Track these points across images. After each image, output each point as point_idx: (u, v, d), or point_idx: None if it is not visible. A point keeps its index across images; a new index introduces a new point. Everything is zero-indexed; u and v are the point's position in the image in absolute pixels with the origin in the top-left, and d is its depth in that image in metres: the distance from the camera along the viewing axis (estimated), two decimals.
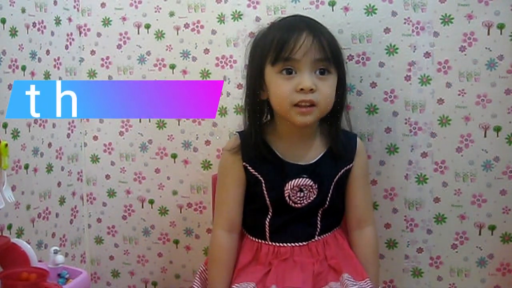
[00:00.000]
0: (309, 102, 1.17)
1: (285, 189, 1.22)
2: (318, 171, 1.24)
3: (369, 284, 1.19)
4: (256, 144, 1.24)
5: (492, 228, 1.40)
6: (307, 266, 1.21)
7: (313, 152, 1.25)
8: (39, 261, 1.21)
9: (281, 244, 1.24)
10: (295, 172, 1.23)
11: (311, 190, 1.22)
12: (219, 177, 1.30)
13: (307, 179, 1.22)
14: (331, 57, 1.19)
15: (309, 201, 1.23)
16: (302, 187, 1.22)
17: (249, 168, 1.24)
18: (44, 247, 1.43)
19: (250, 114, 1.26)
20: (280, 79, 1.19)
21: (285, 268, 1.21)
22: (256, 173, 1.24)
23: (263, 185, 1.24)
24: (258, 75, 1.23)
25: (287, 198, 1.22)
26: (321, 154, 1.25)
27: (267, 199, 1.24)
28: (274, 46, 1.19)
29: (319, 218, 1.25)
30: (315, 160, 1.25)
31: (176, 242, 1.58)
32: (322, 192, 1.23)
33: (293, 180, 1.22)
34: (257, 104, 1.25)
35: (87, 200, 1.63)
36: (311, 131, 1.25)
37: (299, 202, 1.23)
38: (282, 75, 1.19)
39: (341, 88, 1.24)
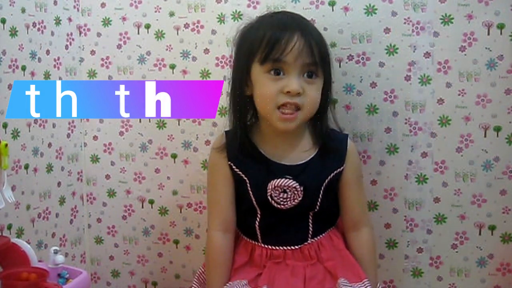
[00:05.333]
0: (294, 105, 1.17)
1: (267, 188, 1.21)
2: (305, 173, 1.22)
3: (367, 285, 1.18)
4: (241, 143, 1.23)
5: (492, 228, 1.40)
6: (298, 270, 1.20)
7: (301, 153, 1.24)
8: (39, 261, 1.21)
9: (273, 247, 1.23)
10: (280, 172, 1.22)
11: (295, 192, 1.21)
12: (208, 177, 1.30)
13: (291, 181, 1.21)
14: (319, 62, 1.18)
15: (294, 203, 1.21)
16: (285, 188, 1.21)
17: (234, 167, 1.24)
18: (44, 247, 1.43)
19: (235, 111, 1.25)
20: (267, 79, 1.18)
21: (277, 271, 1.21)
22: (240, 173, 1.24)
23: (248, 184, 1.23)
24: (244, 70, 1.21)
25: (269, 197, 1.21)
26: (311, 157, 1.24)
27: (253, 199, 1.23)
28: (264, 44, 1.17)
29: (310, 222, 1.24)
30: (304, 161, 1.24)
31: (176, 242, 1.58)
32: (309, 195, 1.22)
33: (276, 180, 1.21)
34: (242, 100, 1.24)
35: (87, 200, 1.63)
36: (296, 132, 1.24)
37: (282, 203, 1.21)
38: (270, 75, 1.18)
39: (326, 89, 1.23)
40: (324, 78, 1.22)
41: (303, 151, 1.25)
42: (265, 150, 1.24)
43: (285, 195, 1.21)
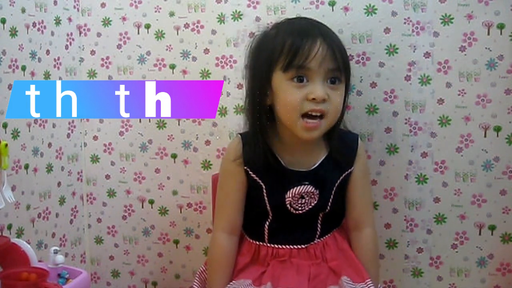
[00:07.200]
0: (319, 112, 1.14)
1: (286, 196, 1.20)
2: (320, 176, 1.22)
3: (370, 285, 1.18)
4: (260, 150, 1.21)
5: (492, 228, 1.40)
6: (303, 268, 1.20)
7: (314, 157, 1.24)
8: (39, 261, 1.21)
9: (279, 246, 1.23)
10: (297, 179, 1.21)
11: (312, 196, 1.21)
12: (220, 179, 1.28)
13: (309, 186, 1.21)
14: (342, 67, 1.17)
15: (310, 206, 1.22)
16: (303, 194, 1.21)
17: (250, 172, 1.23)
18: (44, 247, 1.43)
19: (254, 120, 1.23)
20: (291, 87, 1.15)
21: (282, 269, 1.21)
22: (257, 178, 1.23)
23: (264, 190, 1.23)
24: (264, 80, 1.19)
25: (288, 205, 1.21)
26: (322, 159, 1.24)
27: (268, 204, 1.23)
28: (286, 51, 1.15)
29: (319, 222, 1.24)
30: (316, 165, 1.23)
31: (176, 242, 1.59)
32: (322, 197, 1.22)
33: (295, 188, 1.20)
34: (261, 109, 1.21)
35: (87, 200, 1.63)
36: (316, 140, 1.22)
37: (300, 208, 1.22)
38: (293, 82, 1.15)
39: (345, 95, 1.22)
40: (346, 85, 1.20)
41: (316, 155, 1.24)
42: (282, 156, 1.23)
43: (303, 200, 1.21)
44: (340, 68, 1.16)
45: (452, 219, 1.41)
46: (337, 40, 1.19)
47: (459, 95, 1.37)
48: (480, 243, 1.41)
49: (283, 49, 1.15)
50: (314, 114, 1.15)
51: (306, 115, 1.15)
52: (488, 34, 1.33)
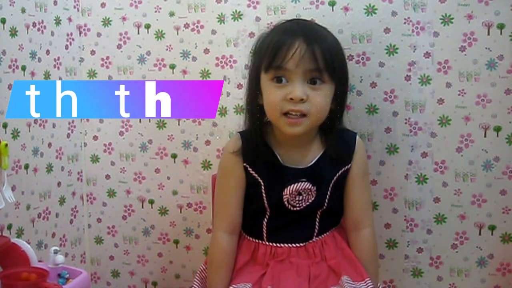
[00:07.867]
0: (298, 112, 1.16)
1: (284, 194, 1.21)
2: (317, 173, 1.23)
3: (369, 284, 1.18)
4: (257, 146, 1.23)
5: (492, 228, 1.40)
6: (303, 268, 1.21)
7: (311, 154, 1.25)
8: (39, 261, 1.21)
9: (278, 245, 1.24)
10: (294, 177, 1.22)
11: (309, 193, 1.22)
12: (219, 178, 1.29)
13: (306, 183, 1.21)
14: (324, 68, 1.16)
15: (307, 203, 1.22)
16: (301, 191, 1.21)
17: (250, 169, 1.24)
18: (44, 247, 1.43)
19: (250, 117, 1.26)
20: (272, 87, 1.18)
21: (281, 270, 1.21)
22: (256, 175, 1.23)
23: (262, 187, 1.23)
24: (255, 79, 1.22)
25: (285, 202, 1.22)
26: (319, 156, 1.24)
27: (265, 201, 1.23)
28: (268, 53, 1.17)
29: (317, 220, 1.25)
30: (313, 162, 1.24)
31: (176, 242, 1.59)
32: (320, 194, 1.23)
33: (292, 185, 1.21)
34: (256, 107, 1.24)
35: (87, 200, 1.63)
36: (309, 136, 1.24)
37: (298, 205, 1.22)
38: (273, 83, 1.18)
39: (339, 96, 1.22)
40: (336, 85, 1.20)
41: (313, 152, 1.25)
42: (279, 153, 1.24)
43: (300, 197, 1.22)
44: (320, 69, 1.16)
45: (452, 219, 1.41)
46: (324, 41, 1.18)
47: (459, 95, 1.37)
48: (480, 243, 1.41)
49: (267, 50, 1.18)
50: (294, 114, 1.16)
51: (286, 115, 1.17)
52: (488, 34, 1.33)
